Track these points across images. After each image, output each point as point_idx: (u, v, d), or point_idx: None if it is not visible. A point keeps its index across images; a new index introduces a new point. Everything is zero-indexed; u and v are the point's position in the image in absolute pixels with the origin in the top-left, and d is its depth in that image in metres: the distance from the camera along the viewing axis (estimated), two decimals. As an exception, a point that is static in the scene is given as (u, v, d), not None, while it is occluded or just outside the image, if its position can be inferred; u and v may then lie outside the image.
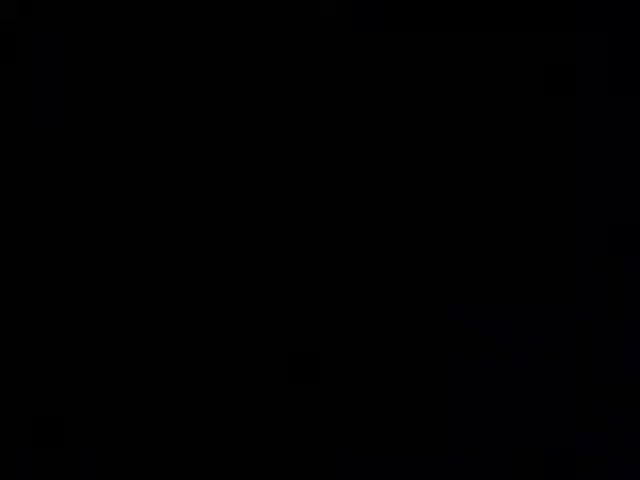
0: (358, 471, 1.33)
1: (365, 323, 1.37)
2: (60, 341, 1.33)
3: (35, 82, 1.31)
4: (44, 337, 1.33)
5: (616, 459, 1.32)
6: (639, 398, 1.34)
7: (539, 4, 1.35)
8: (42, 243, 1.33)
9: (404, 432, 1.34)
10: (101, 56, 1.33)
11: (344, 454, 1.34)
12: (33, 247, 1.33)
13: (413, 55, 1.36)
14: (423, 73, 1.37)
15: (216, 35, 1.33)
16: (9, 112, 1.31)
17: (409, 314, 1.37)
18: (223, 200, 1.36)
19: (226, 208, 1.36)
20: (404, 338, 1.37)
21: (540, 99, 1.38)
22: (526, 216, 1.39)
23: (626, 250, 1.39)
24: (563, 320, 1.39)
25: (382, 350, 1.37)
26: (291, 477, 1.33)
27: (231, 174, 1.36)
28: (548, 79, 1.38)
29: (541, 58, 1.38)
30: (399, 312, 1.37)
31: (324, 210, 1.37)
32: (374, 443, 1.34)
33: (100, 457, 1.32)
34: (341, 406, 1.35)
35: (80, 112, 1.33)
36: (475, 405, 1.36)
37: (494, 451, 1.34)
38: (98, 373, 1.33)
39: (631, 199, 1.40)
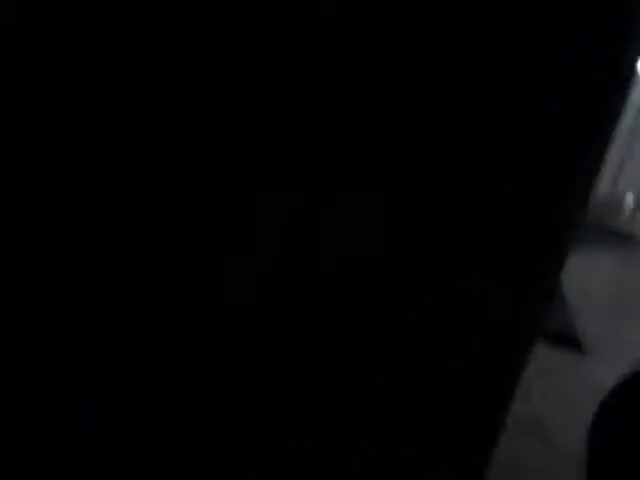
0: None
1: (366, 322, 1.37)
2: (60, 340, 1.34)
3: (35, 82, 1.32)
4: (44, 336, 1.33)
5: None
6: None
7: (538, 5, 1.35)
8: (42, 243, 1.34)
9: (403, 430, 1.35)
10: (101, 56, 1.33)
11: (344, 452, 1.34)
12: (33, 247, 1.34)
13: (412, 55, 1.36)
14: (422, 73, 1.37)
15: (216, 35, 1.34)
16: (9, 112, 1.32)
17: (409, 314, 1.38)
18: (223, 200, 1.36)
19: (226, 208, 1.36)
20: (404, 338, 1.37)
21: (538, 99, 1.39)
22: (526, 215, 1.40)
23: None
24: None
25: (382, 350, 1.37)
26: (289, 470, 1.34)
27: (232, 174, 1.36)
28: (547, 79, 1.39)
29: (540, 58, 1.38)
30: (399, 312, 1.38)
31: (324, 210, 1.38)
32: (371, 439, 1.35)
33: (100, 457, 1.32)
34: (341, 406, 1.36)
35: (80, 112, 1.33)
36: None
37: None
38: (98, 372, 1.34)
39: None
